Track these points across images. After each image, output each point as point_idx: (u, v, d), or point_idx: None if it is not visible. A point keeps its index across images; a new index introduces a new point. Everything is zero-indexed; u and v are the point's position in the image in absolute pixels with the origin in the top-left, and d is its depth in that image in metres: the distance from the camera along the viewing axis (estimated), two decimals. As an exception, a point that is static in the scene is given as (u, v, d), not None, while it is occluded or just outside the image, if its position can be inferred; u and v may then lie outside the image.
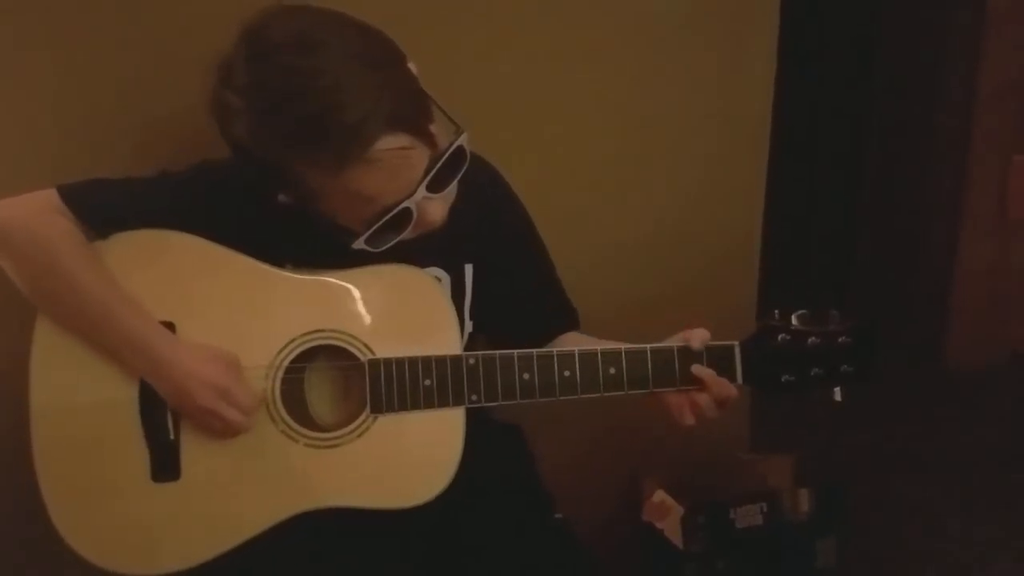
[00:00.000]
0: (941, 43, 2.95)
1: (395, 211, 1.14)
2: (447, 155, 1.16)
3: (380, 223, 1.15)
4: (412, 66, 1.18)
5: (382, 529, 1.28)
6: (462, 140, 1.17)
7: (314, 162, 1.09)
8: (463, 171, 1.20)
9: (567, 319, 1.46)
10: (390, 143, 1.09)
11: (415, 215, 1.16)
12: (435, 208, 1.19)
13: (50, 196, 1.20)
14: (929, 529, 2.29)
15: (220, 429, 1.21)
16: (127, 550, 1.24)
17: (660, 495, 1.91)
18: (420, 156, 1.14)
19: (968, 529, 2.28)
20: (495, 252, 1.36)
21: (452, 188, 1.21)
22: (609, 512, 1.99)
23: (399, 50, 1.17)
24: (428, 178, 1.15)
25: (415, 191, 1.14)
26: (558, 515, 1.44)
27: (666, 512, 1.90)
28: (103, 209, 1.22)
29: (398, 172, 1.13)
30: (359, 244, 1.17)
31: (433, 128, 1.16)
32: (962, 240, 2.98)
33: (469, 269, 1.33)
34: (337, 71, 1.08)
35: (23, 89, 1.46)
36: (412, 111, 1.13)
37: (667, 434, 1.91)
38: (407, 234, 1.19)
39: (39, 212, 1.19)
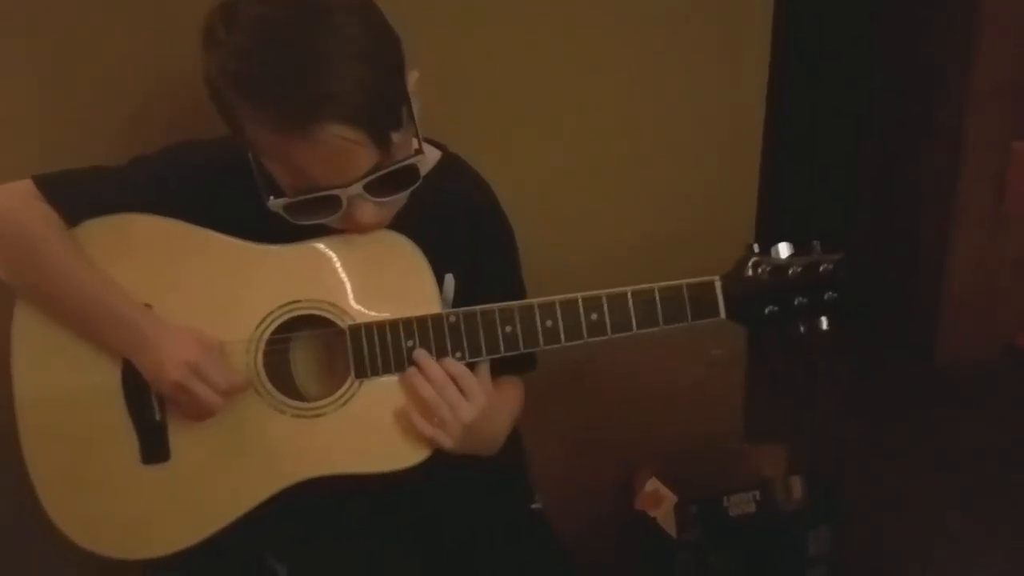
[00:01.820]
0: (937, 39, 2.97)
1: (323, 194, 1.14)
2: (394, 167, 1.16)
3: (306, 198, 1.15)
4: (413, 74, 1.19)
5: (366, 505, 1.29)
6: (415, 160, 1.18)
7: (258, 116, 1.10)
8: (410, 189, 1.20)
9: (524, 362, 1.36)
10: (340, 131, 1.09)
11: (344, 206, 1.16)
12: (368, 211, 1.18)
13: (26, 185, 1.22)
14: (925, 523, 2.27)
15: (190, 407, 1.19)
16: (125, 535, 1.23)
17: (653, 484, 1.91)
18: (367, 155, 1.13)
19: (961, 523, 2.26)
20: (474, 268, 1.34)
21: (396, 200, 1.21)
22: (602, 501, 1.98)
23: (399, 55, 1.17)
24: (368, 179, 1.15)
25: (350, 185, 1.14)
26: (536, 504, 1.45)
27: (659, 501, 1.89)
28: (79, 197, 1.23)
29: (338, 160, 1.12)
30: (275, 205, 1.16)
31: (396, 137, 1.15)
32: (956, 235, 2.99)
33: (450, 279, 1.32)
34: (326, 45, 1.08)
35: (4, 79, 1.46)
36: (379, 113, 1.12)
37: (661, 423, 1.95)
38: (334, 223, 1.19)
39: (16, 200, 1.21)
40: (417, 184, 1.20)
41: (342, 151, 1.11)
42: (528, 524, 1.43)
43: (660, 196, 1.84)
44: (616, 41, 1.73)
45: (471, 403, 1.22)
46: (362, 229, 1.21)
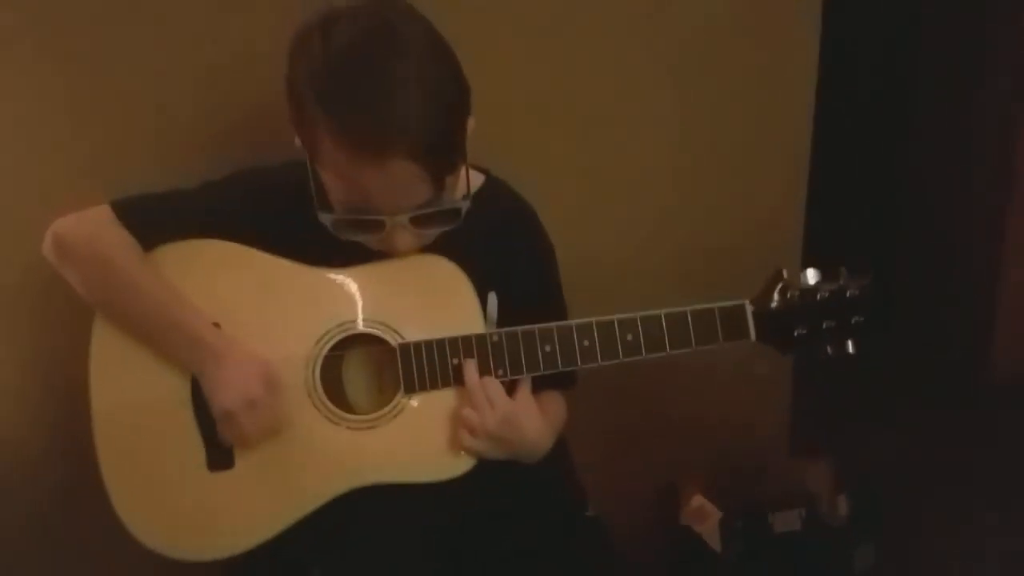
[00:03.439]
0: (984, 52, 2.94)
1: (371, 217, 1.23)
2: (443, 207, 1.25)
3: (354, 217, 1.24)
4: (470, 122, 1.27)
5: (413, 517, 1.34)
6: (462, 205, 1.27)
7: (336, 134, 1.16)
8: (448, 228, 1.28)
9: (564, 378, 1.43)
10: (408, 166, 1.17)
11: (386, 230, 1.24)
12: (406, 239, 1.27)
13: (104, 211, 1.32)
14: (971, 540, 2.25)
15: (231, 434, 1.29)
16: (192, 537, 1.32)
17: (699, 499, 1.95)
18: (425, 191, 1.22)
19: (1009, 541, 2.23)
20: (516, 287, 1.40)
21: (430, 234, 1.29)
22: (645, 514, 2.02)
23: (468, 104, 1.25)
24: (417, 212, 1.23)
25: (399, 214, 1.23)
26: (590, 513, 1.51)
27: (705, 516, 1.94)
28: (153, 222, 1.33)
29: (400, 190, 1.21)
30: (325, 219, 1.25)
31: (450, 180, 1.24)
32: (1010, 247, 2.95)
33: (493, 298, 1.39)
34: (412, 83, 1.16)
35: (67, 102, 1.54)
36: (444, 155, 1.21)
37: (704, 438, 1.97)
38: (371, 243, 1.28)
39: (96, 225, 1.31)
40: (457, 224, 1.28)
41: (406, 183, 1.20)
42: (581, 532, 1.48)
43: (704, 211, 1.85)
44: (658, 55, 1.74)
45: (494, 410, 1.30)
46: (395, 252, 1.30)
